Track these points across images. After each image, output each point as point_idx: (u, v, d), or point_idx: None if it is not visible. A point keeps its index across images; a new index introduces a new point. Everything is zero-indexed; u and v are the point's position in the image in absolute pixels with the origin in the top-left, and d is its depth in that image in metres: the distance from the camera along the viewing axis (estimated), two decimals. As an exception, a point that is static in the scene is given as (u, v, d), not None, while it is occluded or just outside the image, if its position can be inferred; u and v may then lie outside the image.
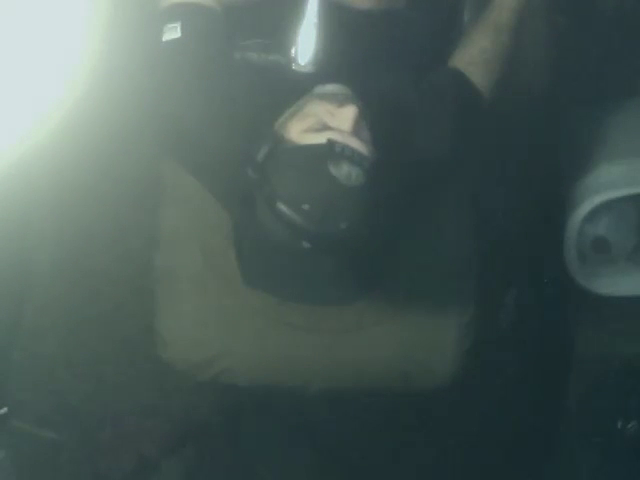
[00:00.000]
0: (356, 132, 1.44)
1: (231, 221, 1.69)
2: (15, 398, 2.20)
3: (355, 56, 1.68)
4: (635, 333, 2.21)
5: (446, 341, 1.87)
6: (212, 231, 1.83)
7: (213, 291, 1.84)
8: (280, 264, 1.50)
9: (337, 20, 1.65)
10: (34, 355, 2.28)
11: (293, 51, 1.64)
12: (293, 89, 1.56)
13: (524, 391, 2.29)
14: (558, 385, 2.27)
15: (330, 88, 1.53)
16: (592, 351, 2.22)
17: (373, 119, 1.49)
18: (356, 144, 1.42)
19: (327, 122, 1.44)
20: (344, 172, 1.40)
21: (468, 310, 1.88)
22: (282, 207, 1.39)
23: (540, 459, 2.28)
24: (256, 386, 1.92)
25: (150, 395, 2.30)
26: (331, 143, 1.40)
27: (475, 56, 1.74)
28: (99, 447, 2.29)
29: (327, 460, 2.28)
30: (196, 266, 1.85)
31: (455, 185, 1.82)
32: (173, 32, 1.62)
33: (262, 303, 1.80)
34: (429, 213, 1.77)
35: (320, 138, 1.41)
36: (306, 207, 1.39)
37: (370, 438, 2.29)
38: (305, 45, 1.64)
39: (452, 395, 1.97)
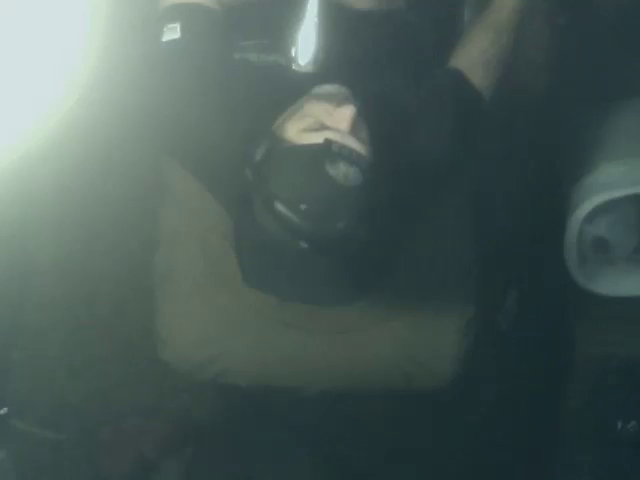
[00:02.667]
0: (354, 132, 1.43)
1: (231, 221, 1.69)
2: (15, 398, 2.21)
3: (355, 56, 1.68)
4: (635, 333, 2.21)
5: (446, 341, 1.87)
6: (212, 231, 1.83)
7: (213, 291, 1.84)
8: (279, 264, 1.50)
9: (337, 20, 1.66)
10: (34, 355, 2.28)
11: (293, 51, 1.64)
12: (293, 89, 1.56)
13: (524, 391, 2.29)
14: (558, 385, 2.27)
15: (328, 88, 1.53)
16: (592, 351, 2.23)
17: (372, 119, 1.49)
18: (354, 144, 1.41)
19: (325, 122, 1.44)
20: (341, 172, 1.39)
21: (468, 310, 1.88)
22: (280, 207, 1.39)
23: (540, 459, 2.28)
24: (256, 386, 1.93)
25: (150, 395, 2.30)
26: (328, 143, 1.39)
27: (475, 56, 1.74)
28: (99, 447, 2.29)
29: (327, 460, 2.28)
30: (196, 266, 1.85)
31: (455, 185, 1.81)
32: (173, 32, 1.62)
33: (262, 303, 1.80)
34: (429, 213, 1.76)
35: (318, 138, 1.41)
36: (303, 207, 1.38)
37: (370, 438, 2.29)
38: (305, 45, 1.64)
39: (452, 395, 1.97)
